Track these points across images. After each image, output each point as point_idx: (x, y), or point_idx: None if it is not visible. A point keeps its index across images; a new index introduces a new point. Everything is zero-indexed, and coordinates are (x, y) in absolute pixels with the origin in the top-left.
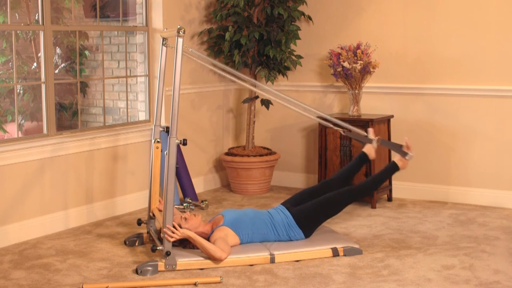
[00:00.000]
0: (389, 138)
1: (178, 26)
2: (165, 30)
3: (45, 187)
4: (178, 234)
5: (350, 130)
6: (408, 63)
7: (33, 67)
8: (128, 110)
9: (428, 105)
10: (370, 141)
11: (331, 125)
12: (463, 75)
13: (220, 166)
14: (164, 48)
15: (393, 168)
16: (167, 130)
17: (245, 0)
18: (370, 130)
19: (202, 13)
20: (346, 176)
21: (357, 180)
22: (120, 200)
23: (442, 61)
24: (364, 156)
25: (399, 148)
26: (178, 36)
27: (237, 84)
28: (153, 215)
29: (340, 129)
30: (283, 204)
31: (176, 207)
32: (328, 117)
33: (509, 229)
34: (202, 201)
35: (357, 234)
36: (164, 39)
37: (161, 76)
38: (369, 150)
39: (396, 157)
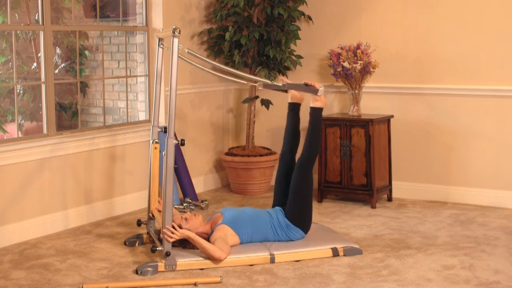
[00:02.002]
0: (389, 138)
1: (174, 27)
2: (161, 30)
3: (45, 187)
4: (178, 235)
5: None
6: (408, 63)
7: (33, 67)
8: (128, 110)
9: (428, 105)
10: (278, 87)
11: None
12: (463, 75)
13: (220, 166)
14: (161, 48)
15: (316, 112)
16: (165, 130)
17: (245, 0)
18: (283, 78)
19: (202, 13)
20: (293, 136)
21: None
22: (120, 200)
23: (442, 61)
24: (293, 106)
25: (308, 88)
26: (174, 36)
27: (237, 84)
28: (153, 215)
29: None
30: (277, 205)
31: (176, 207)
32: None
33: (509, 229)
34: (202, 201)
35: (357, 234)
36: (160, 39)
37: (158, 77)
38: (292, 96)
39: (311, 102)
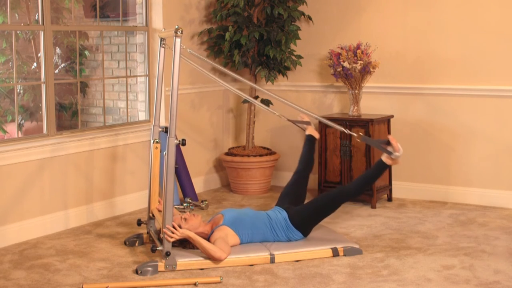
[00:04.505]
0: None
1: (176, 26)
2: (163, 30)
3: (45, 187)
4: (178, 234)
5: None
6: (408, 63)
7: (33, 67)
8: (128, 110)
9: (428, 105)
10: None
11: (332, 124)
12: (463, 75)
13: (220, 166)
14: (163, 48)
15: (382, 166)
16: (166, 130)
17: (245, 0)
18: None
19: (202, 13)
20: (308, 161)
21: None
22: (120, 200)
23: (442, 61)
24: (311, 138)
25: (383, 148)
26: (176, 36)
27: (237, 84)
28: (153, 215)
29: (355, 134)
30: (278, 205)
31: (176, 207)
32: (329, 122)
33: (509, 229)
34: (202, 201)
35: (357, 234)
36: (162, 39)
37: (160, 77)
38: (311, 131)
39: (383, 156)
